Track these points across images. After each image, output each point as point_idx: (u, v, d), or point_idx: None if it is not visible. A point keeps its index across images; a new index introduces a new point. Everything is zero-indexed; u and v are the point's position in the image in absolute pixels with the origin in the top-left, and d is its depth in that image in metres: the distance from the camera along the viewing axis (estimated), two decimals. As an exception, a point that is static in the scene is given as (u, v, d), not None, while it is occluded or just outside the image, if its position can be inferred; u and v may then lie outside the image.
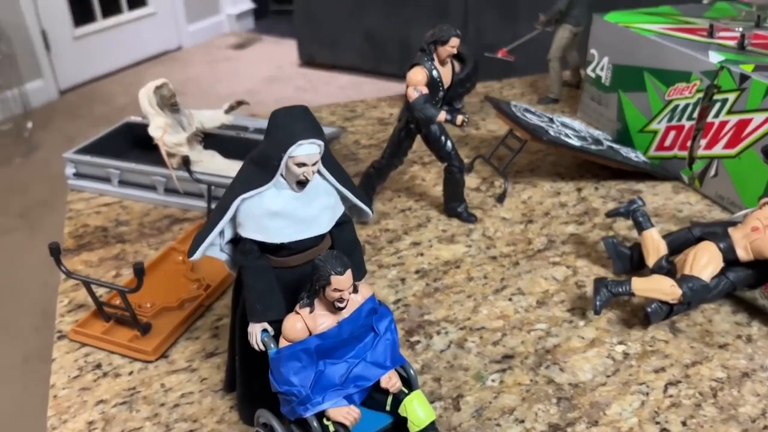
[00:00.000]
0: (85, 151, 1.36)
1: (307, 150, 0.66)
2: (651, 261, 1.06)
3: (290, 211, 0.69)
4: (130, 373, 0.95)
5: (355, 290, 0.72)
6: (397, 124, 1.20)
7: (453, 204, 1.27)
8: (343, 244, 0.76)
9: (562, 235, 1.24)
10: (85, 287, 0.97)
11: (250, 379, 0.79)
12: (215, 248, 0.75)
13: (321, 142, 0.67)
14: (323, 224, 0.72)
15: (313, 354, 0.69)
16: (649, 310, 0.99)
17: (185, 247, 1.17)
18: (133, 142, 1.43)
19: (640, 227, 1.08)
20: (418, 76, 1.09)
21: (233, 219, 0.71)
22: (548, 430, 0.85)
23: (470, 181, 1.41)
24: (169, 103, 1.28)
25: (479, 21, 4.20)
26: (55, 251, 0.94)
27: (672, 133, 1.39)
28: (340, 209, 0.75)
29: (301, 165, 0.67)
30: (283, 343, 0.70)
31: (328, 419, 0.68)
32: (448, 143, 1.19)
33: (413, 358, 0.97)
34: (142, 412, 0.89)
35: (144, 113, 1.28)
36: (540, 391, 0.91)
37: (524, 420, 0.87)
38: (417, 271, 1.15)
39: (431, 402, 0.89)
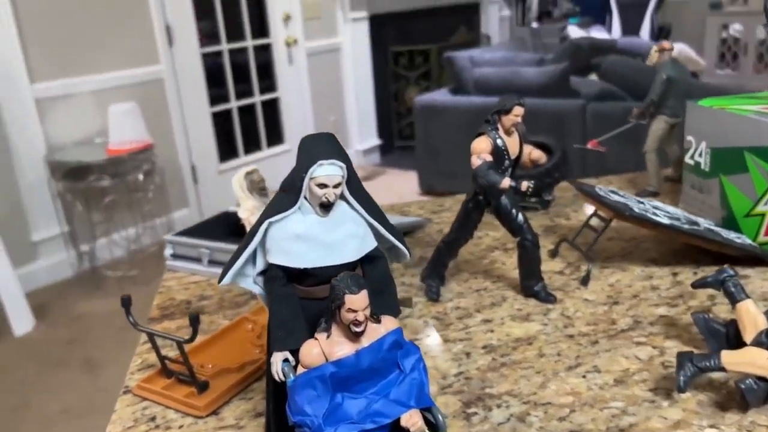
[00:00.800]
0: (183, 234, 1.46)
1: (328, 171, 0.68)
2: (748, 337, 0.93)
3: (314, 234, 0.70)
4: (180, 426, 0.95)
5: (378, 320, 0.69)
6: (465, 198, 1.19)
7: (529, 282, 1.21)
8: (374, 280, 0.74)
9: (650, 316, 1.13)
10: (148, 339, 1.01)
11: (280, 418, 0.77)
12: (248, 279, 0.76)
13: (342, 164, 0.69)
14: (348, 252, 0.71)
15: (327, 382, 0.66)
16: (742, 386, 0.85)
17: (257, 317, 1.20)
18: (228, 228, 1.52)
19: (733, 299, 0.96)
20: (481, 144, 1.09)
21: (264, 248, 0.73)
22: None
23: (554, 264, 1.35)
24: (258, 188, 1.37)
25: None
26: (126, 303, 0.99)
27: (781, 214, 1.26)
28: (371, 242, 0.74)
29: (322, 186, 0.68)
30: (300, 371, 0.68)
31: (342, 454, 0.64)
32: (519, 216, 1.16)
33: (467, 429, 0.89)
34: (182, 463, 0.87)
35: (235, 197, 1.37)
36: (608, 471, 0.79)
37: (585, 499, 0.75)
38: (484, 347, 1.08)
39: (480, 474, 0.80)
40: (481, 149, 1.09)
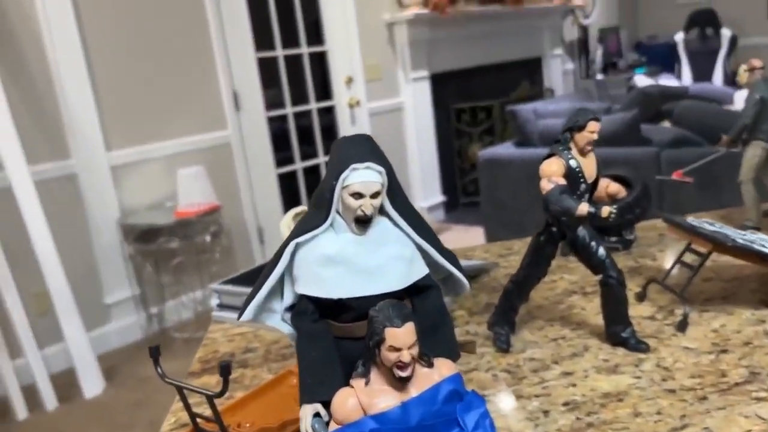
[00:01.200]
0: (229, 283, 1.37)
1: (363, 177, 0.56)
2: None
3: (348, 256, 0.57)
4: (210, 496, 0.82)
5: (430, 364, 0.55)
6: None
7: (616, 328, 1.03)
8: (426, 315, 0.60)
9: (769, 367, 0.93)
10: (177, 392, 0.90)
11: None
12: (275, 316, 0.64)
13: (381, 169, 0.57)
14: (393, 278, 0.58)
15: (367, 441, 0.52)
16: None
17: (303, 371, 1.07)
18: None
19: None
20: (552, 166, 0.96)
21: (292, 276, 0.61)
22: None
23: (643, 309, 1.17)
24: (307, 230, 1.27)
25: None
26: (154, 352, 0.89)
27: None
28: (421, 267, 0.61)
29: (357, 196, 0.56)
30: (333, 428, 0.54)
31: None
32: (601, 249, 1.01)
33: (549, 504, 0.72)
34: None
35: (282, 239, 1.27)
36: None
37: None
38: (566, 403, 0.91)
39: None
40: (552, 172, 0.95)
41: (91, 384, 3.84)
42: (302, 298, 0.60)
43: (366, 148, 0.57)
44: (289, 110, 5.54)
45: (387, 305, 0.52)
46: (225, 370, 0.81)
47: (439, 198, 6.73)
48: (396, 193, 0.60)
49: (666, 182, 1.50)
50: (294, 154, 5.64)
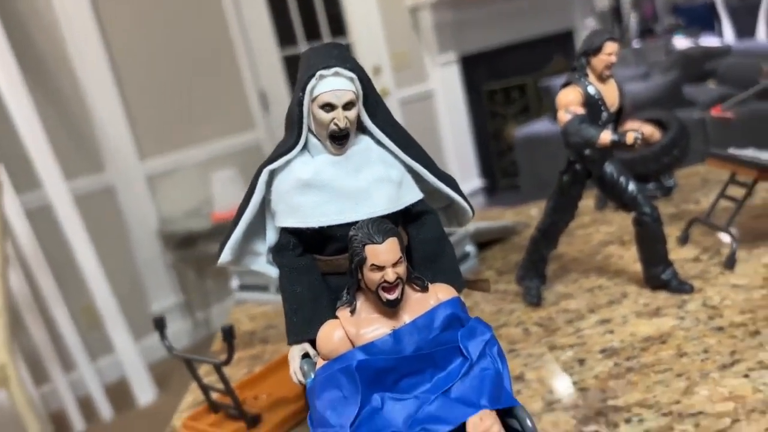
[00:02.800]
0: (250, 262, 1.33)
1: (332, 85, 0.50)
2: None
3: (326, 180, 0.51)
4: (224, 468, 0.77)
5: (424, 288, 0.49)
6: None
7: (655, 269, 0.95)
8: (424, 244, 0.54)
9: (831, 295, 0.84)
10: (186, 365, 0.86)
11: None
12: (259, 260, 0.58)
13: (352, 75, 0.50)
14: (379, 202, 0.52)
15: (355, 377, 0.46)
16: None
17: (323, 341, 1.02)
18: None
19: None
20: (569, 96, 0.88)
21: (272, 215, 0.55)
22: None
23: (686, 252, 1.08)
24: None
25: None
26: (159, 324, 0.85)
27: None
28: (413, 192, 0.55)
29: (328, 108, 0.50)
30: (320, 363, 0.48)
31: (382, 483, 0.43)
32: (631, 185, 0.92)
33: (586, 452, 0.65)
34: None
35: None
36: (806, 502, 0.53)
37: None
38: (603, 350, 0.84)
39: None
40: (569, 101, 0.87)
41: (144, 392, 3.89)
42: (282, 232, 0.54)
43: (334, 54, 0.51)
44: (318, 106, 5.52)
45: (366, 222, 0.46)
46: (228, 333, 0.77)
47: (478, 183, 6.61)
48: (376, 107, 0.53)
49: (708, 125, 1.40)
50: (326, 150, 5.62)
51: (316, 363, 0.50)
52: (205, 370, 0.96)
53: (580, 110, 0.87)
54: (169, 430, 0.90)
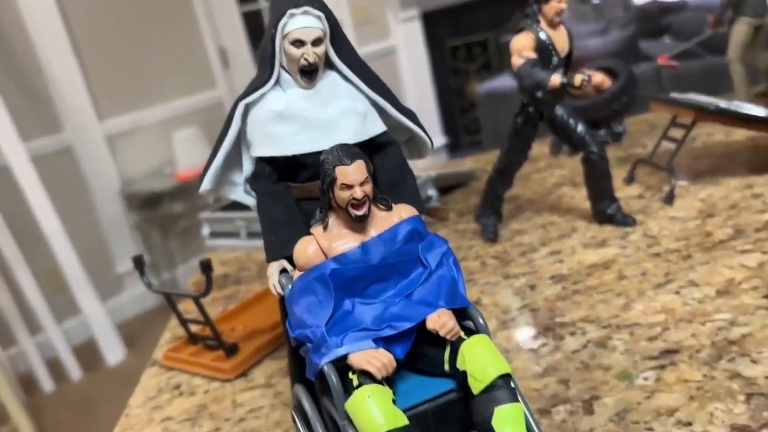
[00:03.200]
0: (218, 211, 1.37)
1: (302, 22, 0.55)
2: None
3: (298, 111, 0.57)
4: (206, 392, 0.83)
5: (389, 207, 0.55)
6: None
7: (602, 204, 1.03)
8: (387, 172, 0.60)
9: (755, 223, 0.93)
10: (166, 300, 0.91)
11: (295, 360, 0.63)
12: (237, 189, 0.64)
13: (320, 13, 0.55)
14: (347, 132, 0.57)
15: (329, 283, 0.52)
16: None
17: (294, 279, 1.08)
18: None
19: None
20: (522, 41, 0.93)
21: (248, 146, 0.60)
22: (731, 434, 0.55)
23: (631, 190, 1.16)
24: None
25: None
26: (139, 263, 0.89)
27: None
28: (377, 124, 0.60)
29: (298, 44, 0.55)
30: (297, 275, 0.54)
31: (354, 372, 0.49)
32: (580, 126, 0.99)
33: (535, 360, 0.73)
34: (204, 427, 0.76)
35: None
36: (718, 388, 0.61)
37: (692, 422, 0.58)
38: (552, 277, 0.92)
39: (553, 407, 0.64)
40: (521, 46, 0.93)
41: (112, 352, 3.91)
42: (258, 161, 0.59)
43: None
44: (280, 64, 5.46)
45: (335, 147, 0.52)
46: (206, 266, 0.82)
47: (441, 140, 6.66)
48: (342, 44, 0.58)
49: (663, 76, 1.47)
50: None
51: (293, 277, 0.56)
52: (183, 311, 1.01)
53: (533, 55, 0.92)
54: (150, 363, 0.95)
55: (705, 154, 1.25)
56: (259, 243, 1.24)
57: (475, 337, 0.50)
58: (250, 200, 0.63)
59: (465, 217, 1.22)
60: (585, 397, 0.65)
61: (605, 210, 1.02)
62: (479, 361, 0.48)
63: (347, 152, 0.51)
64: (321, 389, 0.53)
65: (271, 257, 0.57)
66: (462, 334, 0.51)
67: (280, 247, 0.56)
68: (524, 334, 0.78)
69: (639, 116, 1.61)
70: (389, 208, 0.55)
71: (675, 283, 0.82)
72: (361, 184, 0.51)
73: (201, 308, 0.86)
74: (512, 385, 0.48)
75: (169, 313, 0.97)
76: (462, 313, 0.53)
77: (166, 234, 4.78)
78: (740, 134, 1.32)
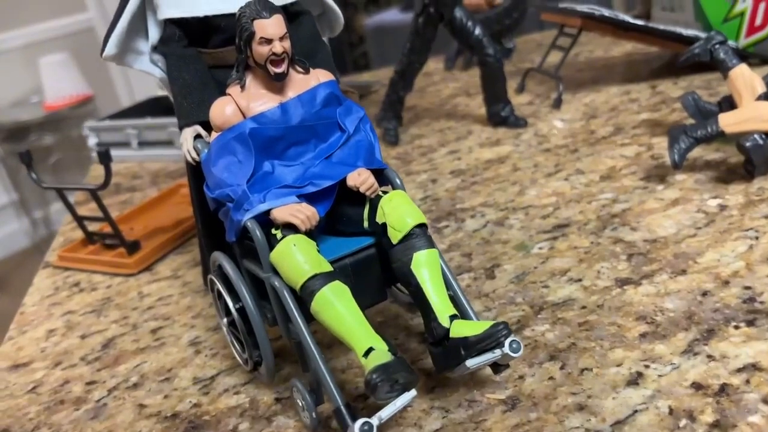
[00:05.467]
0: (107, 119, 1.30)
1: None
2: (745, 104, 0.81)
3: (209, -30, 0.55)
4: (108, 286, 0.81)
5: (306, 70, 0.55)
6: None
7: (496, 107, 1.08)
8: (302, 41, 0.59)
9: (632, 122, 1.01)
10: (59, 196, 0.87)
11: (208, 230, 0.63)
12: (142, 59, 0.61)
13: None
14: (259, -6, 0.56)
15: (249, 142, 0.52)
16: (747, 143, 0.74)
17: (194, 182, 1.05)
18: (159, 110, 1.35)
19: (724, 67, 0.84)
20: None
21: (154, 10, 0.57)
22: (615, 285, 0.62)
23: (522, 98, 1.22)
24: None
25: None
26: (26, 157, 0.84)
27: (762, 7, 1.14)
28: (288, -11, 0.59)
29: None
30: (214, 137, 0.54)
31: (277, 228, 0.50)
32: (477, 29, 1.02)
33: (439, 240, 0.77)
34: (110, 316, 0.74)
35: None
36: (604, 251, 0.68)
37: (582, 278, 0.64)
38: (452, 172, 0.96)
39: (458, 275, 0.69)
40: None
41: (-18, 293, 3.65)
42: (167, 25, 0.57)
43: None
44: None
45: (253, 1, 0.51)
46: (104, 155, 0.78)
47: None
48: None
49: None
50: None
51: (208, 142, 0.55)
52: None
53: (435, -46, 0.93)
54: (43, 265, 0.90)
55: (587, 68, 1.33)
56: (152, 152, 1.20)
57: (393, 192, 0.52)
58: (157, 71, 0.61)
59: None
60: (487, 266, 0.69)
61: (499, 112, 1.07)
62: (398, 212, 0.51)
63: (265, 5, 0.50)
64: (241, 252, 0.54)
65: (183, 123, 0.55)
66: (380, 192, 0.53)
67: (193, 111, 0.55)
68: (429, 219, 0.82)
69: (527, 35, 1.68)
70: (307, 71, 0.55)
71: (564, 172, 0.88)
72: (281, 39, 0.50)
73: (99, 202, 0.82)
74: (428, 234, 0.51)
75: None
76: (378, 177, 0.55)
77: (36, 168, 4.43)
78: (617, 50, 1.42)
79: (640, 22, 1.10)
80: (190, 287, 0.77)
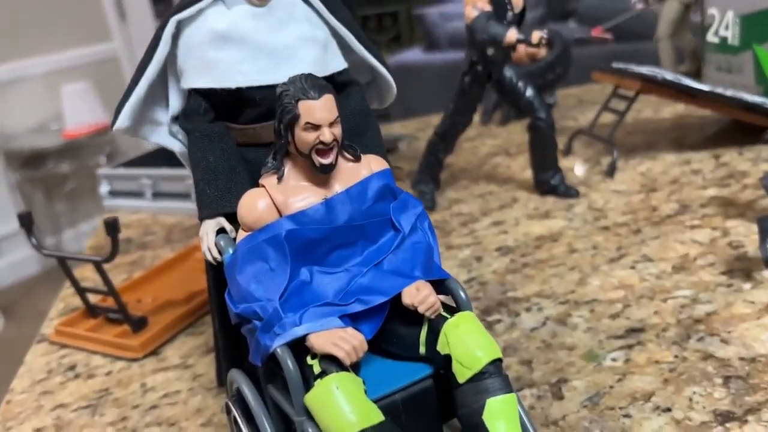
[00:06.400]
0: (120, 167, 1.22)
1: None
2: (844, 192, 0.71)
3: (246, 33, 0.46)
4: (108, 373, 0.71)
5: (357, 157, 0.46)
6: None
7: (545, 175, 0.98)
8: (349, 117, 0.50)
9: (699, 199, 0.91)
10: (60, 265, 0.77)
11: (228, 339, 0.53)
12: (160, 130, 0.52)
13: None
14: (305, 62, 0.47)
15: (284, 247, 0.42)
16: None
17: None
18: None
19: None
20: (476, -8, 0.86)
21: (177, 76, 0.48)
22: (714, 420, 0.51)
23: (569, 162, 1.12)
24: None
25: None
26: (26, 220, 0.75)
27: (837, 74, 1.04)
28: (338, 59, 0.50)
29: None
30: (241, 236, 0.44)
31: (314, 356, 0.40)
32: (528, 90, 0.93)
33: (491, 339, 0.66)
34: (107, 416, 0.64)
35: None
36: (693, 370, 0.57)
37: (671, 407, 0.53)
38: (498, 249, 0.85)
39: (518, 391, 0.58)
40: (476, -1, 0.85)
41: (-12, 321, 3.57)
42: (192, 95, 0.47)
43: None
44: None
45: (299, 76, 0.41)
46: (112, 226, 0.69)
47: (348, 111, 6.55)
48: None
49: (586, 44, 1.45)
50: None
51: (234, 238, 0.45)
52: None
53: (488, 7, 0.85)
54: (38, 339, 0.81)
55: (637, 130, 1.24)
56: (167, 204, 1.11)
57: (459, 315, 0.42)
58: (176, 144, 0.52)
59: (398, 184, 1.14)
60: (552, 380, 0.59)
61: (549, 180, 0.98)
62: (466, 343, 0.40)
63: (314, 84, 0.41)
64: (267, 377, 0.43)
65: (205, 214, 0.46)
66: (442, 311, 0.43)
67: (217, 201, 0.45)
68: (476, 310, 0.72)
69: (566, 90, 1.60)
70: (357, 158, 0.45)
71: (629, 258, 0.78)
72: (331, 124, 0.41)
73: (103, 275, 0.73)
74: (504, 372, 0.41)
75: (56, 281, 0.83)
76: (437, 287, 0.45)
77: (51, 196, 4.41)
78: (667, 112, 1.32)
79: (706, 88, 1.01)
80: (200, 382, 0.67)
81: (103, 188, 1.21)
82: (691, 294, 0.69)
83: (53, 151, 4.16)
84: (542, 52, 1.11)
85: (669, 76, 1.01)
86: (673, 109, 1.32)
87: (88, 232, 4.43)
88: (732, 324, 0.63)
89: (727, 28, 1.25)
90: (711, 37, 1.30)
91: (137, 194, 1.18)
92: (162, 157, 1.22)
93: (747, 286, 0.68)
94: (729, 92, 1.02)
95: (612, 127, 1.06)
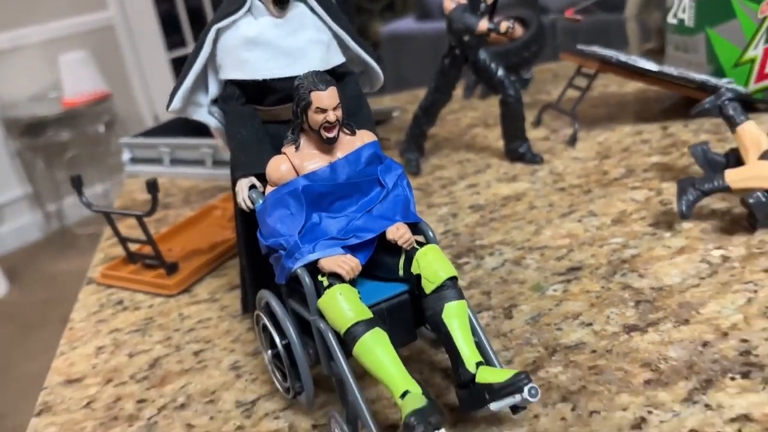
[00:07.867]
0: (140, 136, 1.36)
1: None
2: (751, 159, 0.87)
3: (270, 39, 0.61)
4: (150, 306, 0.87)
5: (353, 132, 0.61)
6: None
7: (514, 144, 1.13)
8: (346, 101, 0.65)
9: (644, 165, 1.06)
10: (106, 219, 0.93)
11: (253, 268, 0.69)
12: (201, 110, 0.67)
13: None
14: (313, 61, 0.62)
15: (301, 198, 0.58)
16: (750, 200, 0.79)
17: (225, 204, 1.11)
18: (190, 128, 1.41)
19: (733, 122, 0.90)
20: (453, -14, 1.00)
21: (216, 69, 0.64)
22: (623, 331, 0.67)
23: (538, 132, 1.28)
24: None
25: None
26: (77, 182, 0.90)
27: (772, 56, 1.19)
28: (338, 55, 0.65)
29: None
30: (268, 190, 0.60)
31: (323, 275, 0.56)
32: (500, 70, 1.08)
33: (460, 276, 0.82)
34: (154, 336, 0.80)
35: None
36: (613, 296, 0.74)
37: (592, 323, 0.70)
38: (471, 207, 1.01)
39: (478, 313, 0.74)
40: (453, -8, 1.00)
41: (-6, 284, 3.72)
42: (228, 84, 0.63)
43: None
44: (177, -12, 5.19)
45: (310, 73, 0.57)
46: (153, 186, 0.84)
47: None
48: None
49: (558, 28, 1.59)
50: (186, 37, 5.35)
51: (263, 192, 0.61)
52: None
53: (463, 0, 0.99)
54: (87, 281, 0.97)
55: (601, 103, 1.39)
56: (183, 170, 1.26)
57: (427, 247, 0.58)
58: (212, 121, 0.67)
59: (386, 153, 1.29)
60: (505, 306, 0.75)
61: (517, 149, 1.13)
62: (432, 265, 0.57)
63: (322, 78, 0.56)
64: (288, 292, 0.59)
65: (240, 174, 0.61)
66: (415, 244, 0.59)
67: (250, 164, 0.61)
68: (449, 255, 0.88)
69: (542, 65, 1.74)
70: (353, 133, 0.61)
71: (577, 213, 0.94)
72: (334, 108, 0.56)
73: (144, 228, 0.88)
74: (458, 286, 0.57)
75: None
76: (413, 229, 0.61)
77: (51, 164, 4.52)
78: (632, 86, 1.47)
79: (654, 68, 1.16)
80: (227, 311, 0.83)
81: (125, 155, 1.35)
82: (622, 241, 0.85)
83: (53, 119, 4.27)
84: (518, 31, 1.26)
85: (623, 57, 1.16)
86: (636, 85, 1.47)
87: (90, 197, 4.55)
88: (650, 263, 0.79)
89: (684, 11, 1.40)
90: (671, 19, 1.45)
91: (156, 161, 1.33)
92: (177, 128, 1.37)
93: (667, 234, 0.85)
94: (676, 72, 1.17)
95: (575, 101, 1.21)
